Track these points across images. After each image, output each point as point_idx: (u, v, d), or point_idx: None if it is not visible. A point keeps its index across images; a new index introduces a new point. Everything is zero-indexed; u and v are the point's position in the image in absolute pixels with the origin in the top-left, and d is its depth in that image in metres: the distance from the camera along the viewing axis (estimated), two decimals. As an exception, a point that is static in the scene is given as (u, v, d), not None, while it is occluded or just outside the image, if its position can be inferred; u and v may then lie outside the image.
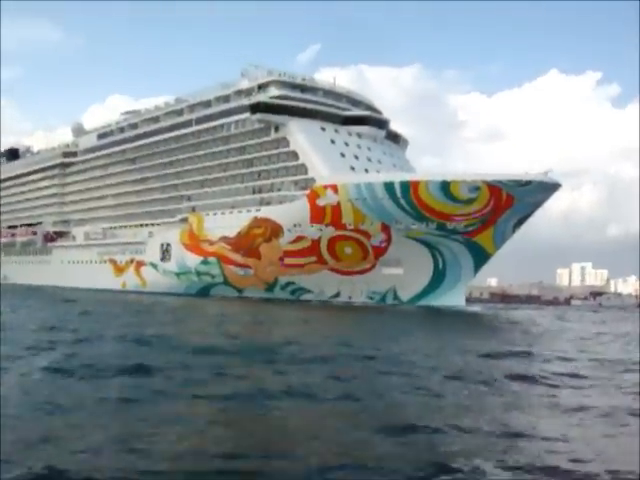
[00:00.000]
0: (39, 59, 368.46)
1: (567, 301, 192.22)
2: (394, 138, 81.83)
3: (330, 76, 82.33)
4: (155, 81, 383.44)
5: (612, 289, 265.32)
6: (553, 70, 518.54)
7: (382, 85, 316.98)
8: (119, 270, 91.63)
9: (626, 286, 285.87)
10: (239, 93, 78.85)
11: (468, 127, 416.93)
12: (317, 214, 66.17)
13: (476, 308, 72.72)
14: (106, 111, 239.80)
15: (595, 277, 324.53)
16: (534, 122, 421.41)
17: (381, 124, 78.16)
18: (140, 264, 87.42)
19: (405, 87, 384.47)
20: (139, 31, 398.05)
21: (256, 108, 73.77)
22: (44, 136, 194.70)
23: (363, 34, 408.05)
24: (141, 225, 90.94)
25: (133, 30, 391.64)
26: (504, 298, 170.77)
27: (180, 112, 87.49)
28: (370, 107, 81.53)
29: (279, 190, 72.61)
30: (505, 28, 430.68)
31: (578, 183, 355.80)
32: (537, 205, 63.48)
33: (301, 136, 71.48)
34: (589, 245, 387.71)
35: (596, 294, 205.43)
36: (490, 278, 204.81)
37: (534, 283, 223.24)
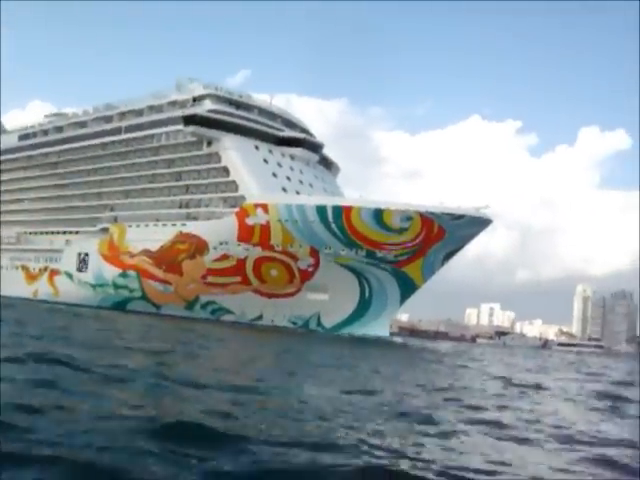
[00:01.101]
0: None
1: (473, 339, 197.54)
2: (326, 163, 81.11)
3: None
4: (80, 91, 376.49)
5: (518, 330, 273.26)
6: (475, 115, 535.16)
7: (309, 115, 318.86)
8: (31, 278, 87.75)
9: (532, 328, 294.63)
10: (173, 104, 76.78)
11: (389, 163, 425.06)
12: (245, 233, 64.56)
13: (400, 339, 71.96)
14: (27, 116, 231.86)
15: (502, 318, 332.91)
16: (453, 164, 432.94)
17: (315, 148, 77.35)
18: (54, 273, 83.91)
19: (331, 119, 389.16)
20: (69, 39, 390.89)
21: (190, 120, 71.88)
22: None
23: (294, 64, 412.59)
24: (58, 232, 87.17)
25: (63, 36, 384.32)
26: (412, 332, 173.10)
27: (109, 119, 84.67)
28: (304, 130, 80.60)
29: (207, 206, 70.72)
30: (433, 71, 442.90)
31: (492, 227, 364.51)
32: (467, 239, 63.43)
33: (234, 153, 69.95)
34: (499, 287, 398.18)
35: (501, 334, 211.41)
36: (402, 313, 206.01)
37: (442, 320, 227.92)
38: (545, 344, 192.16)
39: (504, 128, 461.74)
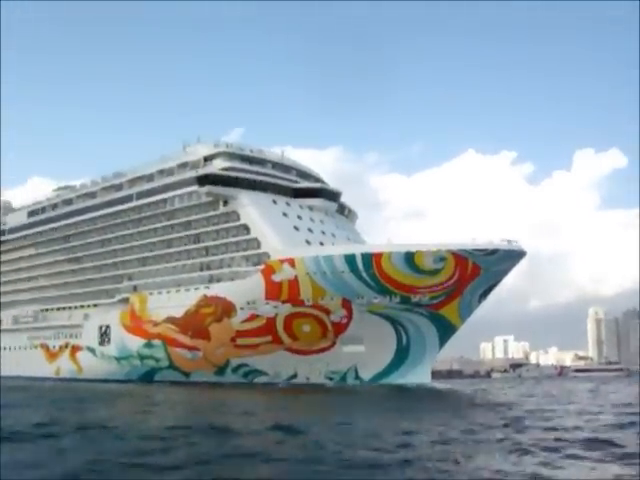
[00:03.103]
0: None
1: (488, 374, 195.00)
2: (343, 211, 79.66)
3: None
4: (79, 164, 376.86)
5: (533, 361, 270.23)
6: (470, 150, 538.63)
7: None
8: (52, 356, 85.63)
9: (547, 357, 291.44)
10: (183, 166, 75.62)
11: (390, 207, 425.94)
12: (273, 290, 62.59)
13: (447, 385, 69.29)
14: (30, 192, 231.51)
15: (517, 350, 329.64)
16: (453, 200, 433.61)
17: (333, 196, 76.05)
18: (76, 349, 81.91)
19: (327, 168, 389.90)
20: (63, 112, 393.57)
21: (204, 180, 70.59)
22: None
23: (286, 117, 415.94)
24: (76, 307, 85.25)
25: (57, 110, 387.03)
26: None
27: (119, 187, 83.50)
28: (319, 179, 79.65)
29: (229, 266, 68.94)
30: (423, 110, 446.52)
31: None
32: (503, 274, 61.46)
33: (252, 209, 68.52)
34: (511, 317, 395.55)
35: (516, 366, 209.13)
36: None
37: (455, 358, 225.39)
38: (561, 372, 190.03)
39: (499, 160, 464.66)
